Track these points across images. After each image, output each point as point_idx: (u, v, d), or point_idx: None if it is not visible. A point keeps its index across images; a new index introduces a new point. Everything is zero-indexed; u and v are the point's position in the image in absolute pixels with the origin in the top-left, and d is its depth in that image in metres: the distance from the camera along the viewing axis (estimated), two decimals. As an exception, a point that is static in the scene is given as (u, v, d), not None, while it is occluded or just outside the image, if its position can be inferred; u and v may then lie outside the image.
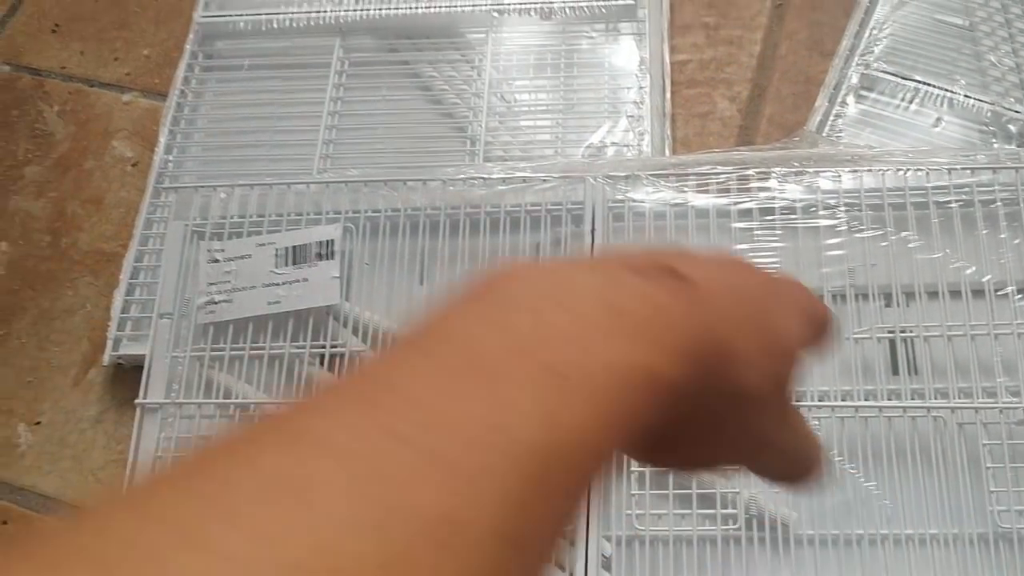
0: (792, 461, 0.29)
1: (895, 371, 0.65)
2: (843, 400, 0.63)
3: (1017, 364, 0.63)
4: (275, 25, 0.86)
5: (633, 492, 0.62)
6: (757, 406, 0.26)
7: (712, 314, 0.24)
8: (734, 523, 0.61)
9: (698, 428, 0.26)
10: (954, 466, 0.61)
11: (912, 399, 0.63)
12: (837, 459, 0.62)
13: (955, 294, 0.65)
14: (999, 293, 0.64)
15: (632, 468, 0.63)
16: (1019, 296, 0.64)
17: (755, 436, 0.27)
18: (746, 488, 0.62)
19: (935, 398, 0.63)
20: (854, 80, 0.80)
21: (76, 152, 0.88)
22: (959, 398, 0.62)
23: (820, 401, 0.63)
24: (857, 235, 0.68)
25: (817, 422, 0.63)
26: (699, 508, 0.62)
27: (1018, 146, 0.74)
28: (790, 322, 0.27)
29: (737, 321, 0.25)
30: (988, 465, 0.60)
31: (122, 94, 0.90)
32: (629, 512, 0.62)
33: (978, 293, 0.65)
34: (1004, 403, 0.61)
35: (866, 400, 0.63)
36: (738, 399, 0.25)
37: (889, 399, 0.63)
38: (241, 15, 0.87)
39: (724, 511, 0.61)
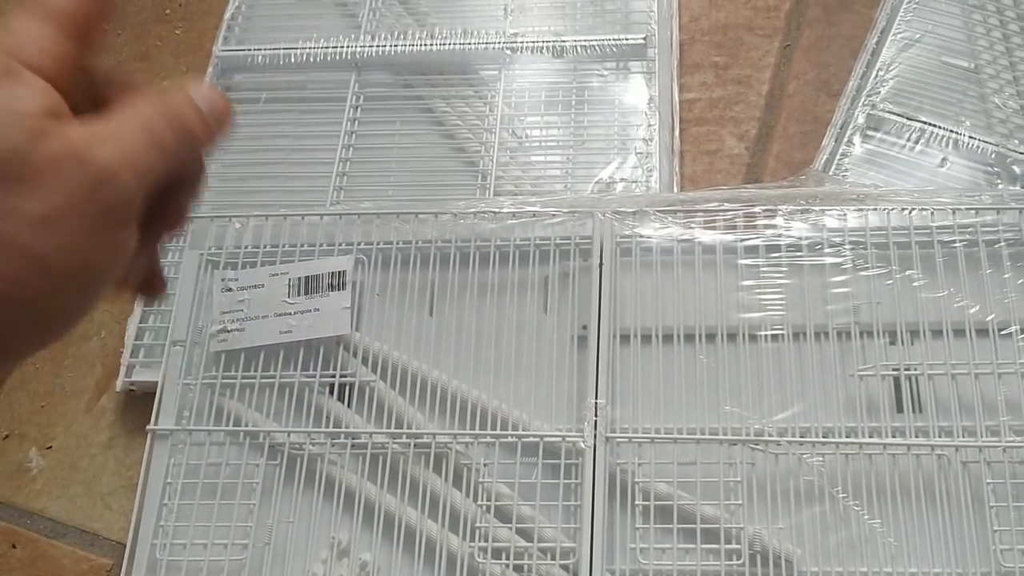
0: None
1: (899, 409, 0.65)
2: (848, 437, 0.64)
3: (1021, 403, 0.63)
4: (292, 59, 0.88)
5: (638, 526, 0.63)
6: None
7: None
8: (738, 559, 0.61)
9: None
10: (958, 505, 0.61)
11: (916, 437, 0.63)
12: (841, 496, 0.62)
13: (959, 333, 0.65)
14: (1003, 333, 0.65)
15: (637, 502, 0.63)
16: (1022, 336, 0.65)
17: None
18: (750, 523, 0.62)
19: (939, 436, 0.63)
20: (860, 120, 0.81)
21: (95, 181, 0.90)
22: (963, 436, 0.63)
23: (825, 437, 0.64)
24: (862, 273, 0.68)
25: (821, 458, 0.63)
26: (703, 543, 0.62)
27: (1022, 187, 0.75)
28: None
29: None
30: (992, 504, 0.61)
31: (141, 125, 0.92)
32: (633, 546, 0.62)
33: (982, 332, 0.65)
34: (1008, 442, 0.62)
35: (871, 437, 0.63)
36: None
37: (894, 436, 0.63)
38: (259, 49, 0.89)
39: (728, 546, 0.62)
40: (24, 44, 0.26)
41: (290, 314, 0.71)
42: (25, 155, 0.25)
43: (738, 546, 0.61)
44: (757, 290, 0.69)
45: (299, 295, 0.71)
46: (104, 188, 0.26)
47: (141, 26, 0.99)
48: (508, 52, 0.87)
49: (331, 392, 0.70)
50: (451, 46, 0.87)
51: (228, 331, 0.71)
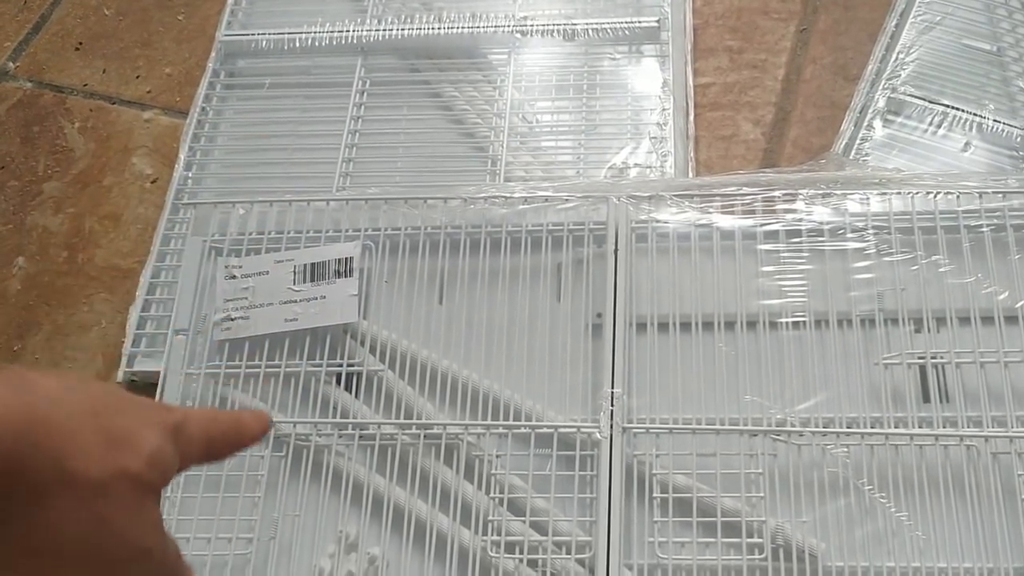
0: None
1: (926, 398, 0.63)
2: (873, 427, 0.62)
3: (1053, 392, 0.61)
4: (297, 44, 0.86)
5: (656, 519, 0.61)
6: (98, 494, 0.27)
7: (37, 395, 0.27)
8: (760, 553, 0.59)
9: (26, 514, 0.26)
10: (988, 497, 0.59)
11: (944, 427, 0.61)
12: (867, 488, 0.60)
13: (987, 320, 0.63)
14: (1033, 319, 0.63)
15: (655, 494, 0.61)
16: (1055, 322, 0.62)
17: (112, 540, 0.28)
18: (773, 517, 0.60)
19: (968, 426, 0.61)
20: (880, 104, 0.79)
21: (95, 168, 0.88)
22: (993, 427, 0.60)
23: (849, 428, 0.62)
24: (886, 258, 0.66)
25: (846, 449, 0.61)
26: (724, 537, 0.60)
27: (1050, 171, 0.73)
28: (142, 428, 0.29)
29: (70, 408, 0.27)
30: (1024, 497, 0.58)
31: (143, 111, 0.90)
32: (651, 540, 0.60)
33: (1011, 319, 0.63)
34: (1040, 432, 0.59)
35: (896, 428, 0.61)
36: (69, 480, 0.26)
37: (920, 427, 0.61)
38: (263, 34, 0.87)
39: (750, 540, 0.59)
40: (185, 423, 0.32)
41: (296, 302, 0.69)
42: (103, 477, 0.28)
43: (760, 540, 0.59)
44: (777, 276, 0.67)
45: (305, 282, 0.69)
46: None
47: (143, 12, 0.97)
48: (518, 35, 0.85)
49: (338, 382, 0.68)
50: (459, 30, 0.85)
51: (232, 319, 0.69)
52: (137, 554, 0.29)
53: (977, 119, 0.76)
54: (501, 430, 0.64)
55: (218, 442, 0.34)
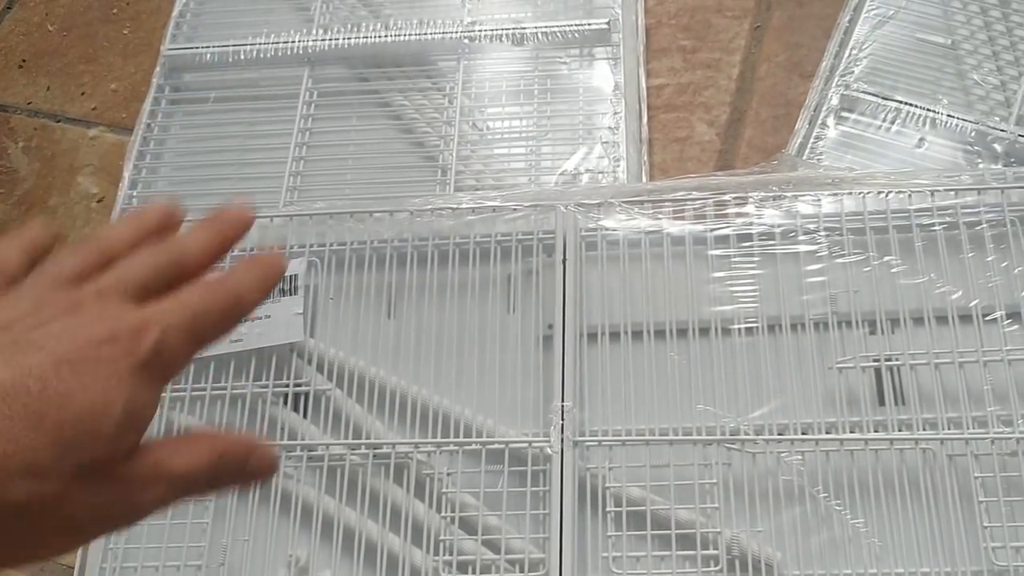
0: (176, 498, 0.27)
1: (881, 401, 0.62)
2: (827, 433, 0.61)
3: (1008, 392, 0.60)
4: (242, 56, 0.84)
5: (610, 533, 0.60)
6: (58, 501, 0.24)
7: None
8: (716, 564, 0.58)
9: None
10: (945, 500, 0.58)
11: (899, 430, 0.60)
12: (822, 495, 0.59)
13: (941, 320, 0.62)
14: (987, 318, 0.62)
15: (608, 508, 0.60)
16: (1008, 321, 0.62)
17: (79, 525, 0.25)
18: (728, 527, 0.59)
19: (923, 429, 0.60)
20: (834, 101, 0.78)
21: (41, 189, 0.86)
22: (948, 429, 0.60)
23: (803, 434, 0.61)
24: (838, 260, 0.65)
25: (801, 456, 0.60)
26: (679, 549, 0.59)
27: (1004, 166, 0.72)
28: (103, 396, 0.25)
29: (7, 430, 0.23)
30: (981, 499, 0.58)
31: (88, 129, 0.89)
32: (605, 555, 0.59)
33: (965, 318, 0.62)
34: (995, 433, 0.59)
35: (851, 432, 0.60)
36: (19, 512, 0.23)
37: (875, 431, 0.60)
38: (208, 47, 0.85)
39: (705, 552, 0.58)
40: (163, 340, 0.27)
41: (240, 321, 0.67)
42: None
43: (716, 551, 0.58)
44: (729, 281, 0.66)
45: (249, 301, 0.68)
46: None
47: (87, 27, 0.95)
48: (466, 41, 0.83)
49: (285, 402, 0.67)
50: (407, 37, 0.83)
51: (176, 342, 0.67)
52: (112, 518, 0.26)
53: (931, 115, 0.75)
54: (452, 447, 0.63)
55: (209, 332, 0.28)
